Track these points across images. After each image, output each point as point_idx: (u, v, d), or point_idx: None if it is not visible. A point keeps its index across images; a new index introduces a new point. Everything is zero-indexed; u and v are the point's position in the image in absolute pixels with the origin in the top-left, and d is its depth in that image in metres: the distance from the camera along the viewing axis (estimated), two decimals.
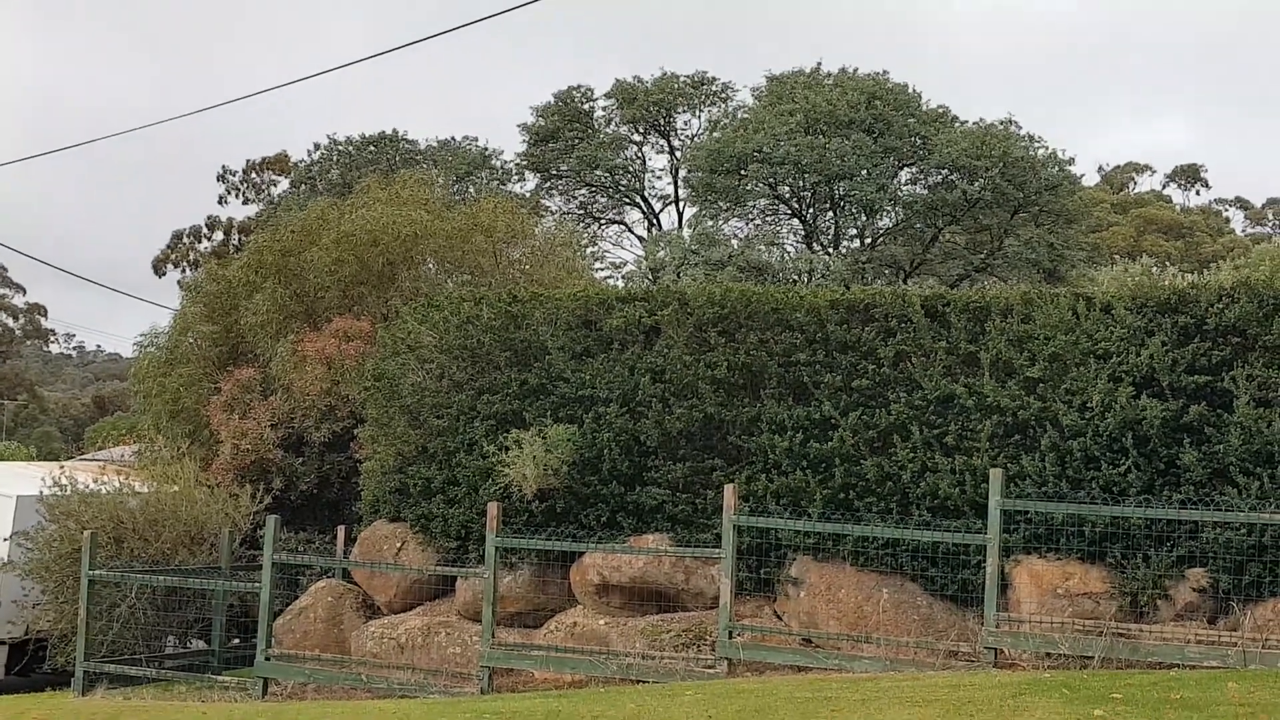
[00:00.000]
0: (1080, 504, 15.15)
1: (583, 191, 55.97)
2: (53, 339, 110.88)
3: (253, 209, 70.66)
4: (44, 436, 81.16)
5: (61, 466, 26.25)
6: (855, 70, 49.25)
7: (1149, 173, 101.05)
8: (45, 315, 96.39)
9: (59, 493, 23.44)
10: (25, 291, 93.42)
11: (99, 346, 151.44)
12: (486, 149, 57.51)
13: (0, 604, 25.19)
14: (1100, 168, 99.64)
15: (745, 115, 50.21)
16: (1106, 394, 15.57)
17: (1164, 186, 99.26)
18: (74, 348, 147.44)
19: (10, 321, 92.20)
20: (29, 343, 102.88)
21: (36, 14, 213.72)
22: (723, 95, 54.87)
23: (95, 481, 23.80)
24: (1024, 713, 11.01)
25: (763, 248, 45.23)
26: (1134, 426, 15.37)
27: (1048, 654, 14.71)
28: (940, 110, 48.55)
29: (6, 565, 24.55)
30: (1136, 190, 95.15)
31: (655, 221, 56.40)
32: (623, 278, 49.88)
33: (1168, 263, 25.87)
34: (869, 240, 49.98)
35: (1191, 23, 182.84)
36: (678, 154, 54.74)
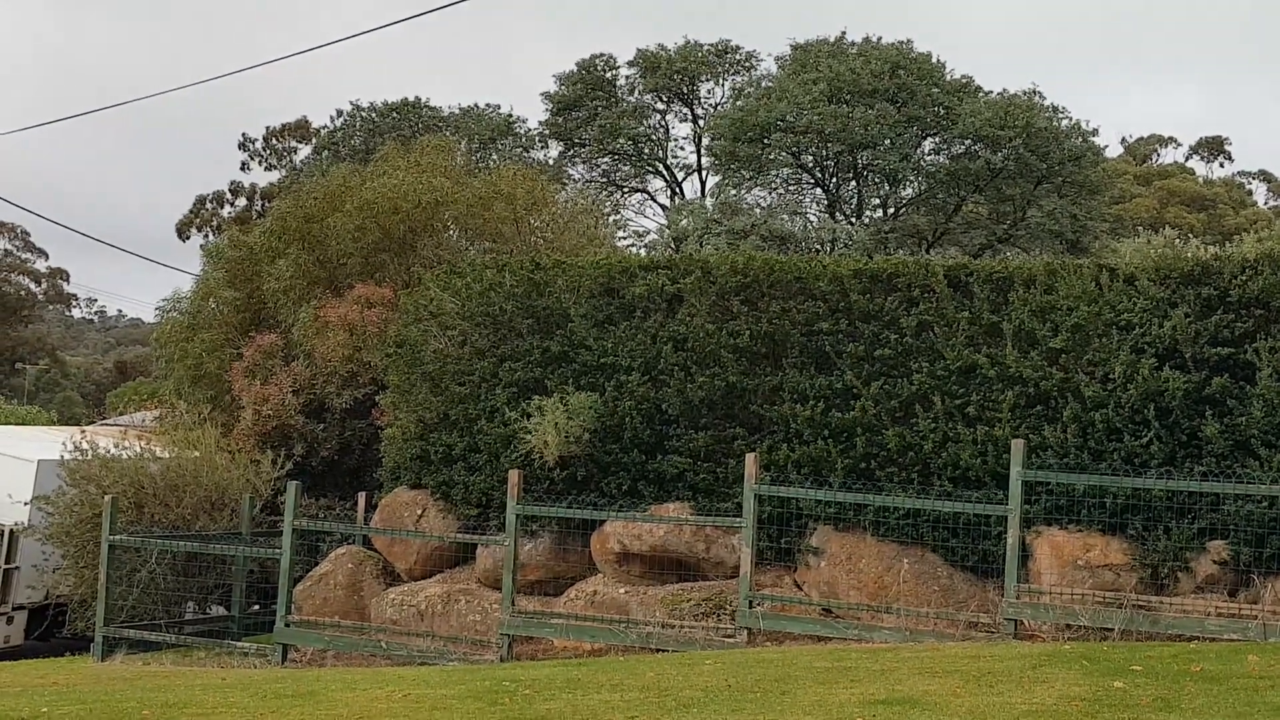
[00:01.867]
0: (1102, 475, 15.12)
1: (605, 160, 55.79)
2: (75, 304, 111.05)
3: (275, 175, 70.66)
4: (66, 401, 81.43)
5: (83, 431, 26.38)
6: (879, 39, 49.00)
7: (1172, 145, 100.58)
8: (67, 280, 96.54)
9: (80, 457, 23.56)
10: (48, 256, 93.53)
11: (120, 311, 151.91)
12: (510, 116, 57.37)
13: (20, 568, 25.36)
14: (1123, 139, 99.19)
15: (769, 84, 50.00)
16: (1129, 365, 15.52)
17: (1187, 159, 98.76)
18: (96, 313, 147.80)
19: (33, 286, 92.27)
20: (51, 307, 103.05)
21: None
22: (746, 64, 54.64)
23: (116, 446, 23.90)
24: (1044, 684, 10.99)
25: (785, 217, 45.09)
26: (1156, 398, 15.33)
27: (1068, 625, 14.71)
28: (964, 80, 48.26)
29: (27, 530, 24.71)
30: (1160, 162, 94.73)
31: (678, 190, 56.27)
32: (645, 246, 49.80)
33: (1191, 235, 25.71)
34: (892, 210, 49.83)
35: None
36: (701, 122, 54.55)
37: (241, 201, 73.60)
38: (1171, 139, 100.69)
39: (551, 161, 53.78)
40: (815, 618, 16.32)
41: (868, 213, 49.07)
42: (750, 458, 16.50)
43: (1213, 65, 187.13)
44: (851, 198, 49.13)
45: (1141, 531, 15.15)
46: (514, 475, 17.67)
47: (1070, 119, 47.14)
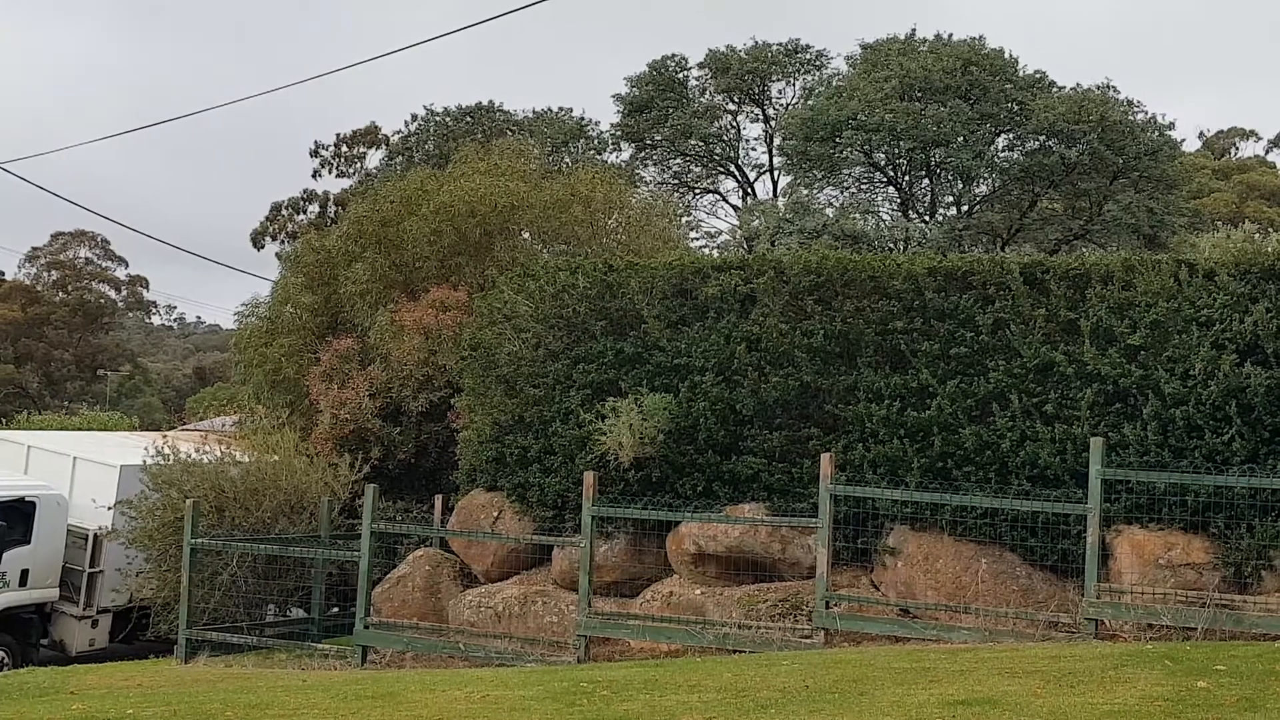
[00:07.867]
0: (1183, 473, 14.97)
1: (677, 161, 55.80)
2: (154, 311, 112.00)
3: (347, 182, 71.07)
4: (146, 407, 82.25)
5: (164, 436, 26.66)
6: (950, 36, 48.67)
7: (1253, 138, 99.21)
8: (147, 287, 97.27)
9: (162, 462, 23.82)
10: (127, 264, 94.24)
11: (199, 318, 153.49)
12: (582, 119, 57.47)
13: (104, 572, 25.66)
14: (1201, 133, 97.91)
15: (840, 83, 49.80)
16: (1209, 361, 15.35)
17: (1267, 152, 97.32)
18: (175, 319, 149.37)
19: (113, 293, 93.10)
20: (131, 314, 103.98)
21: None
22: (817, 63, 54.44)
23: (197, 451, 24.15)
24: (1126, 684, 10.89)
25: (858, 216, 44.88)
26: (1238, 394, 15.16)
27: (1150, 625, 14.56)
28: (1037, 75, 47.83)
29: (111, 534, 25.00)
30: (1239, 156, 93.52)
31: (750, 191, 56.19)
32: (717, 247, 49.76)
33: (1271, 229, 25.39)
34: (965, 207, 49.48)
35: None
36: (772, 122, 54.43)
37: (314, 208, 74.02)
38: (1252, 132, 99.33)
39: (624, 163, 53.80)
40: (893, 618, 16.25)
41: (941, 210, 48.75)
42: (825, 458, 16.45)
43: None
44: (924, 196, 48.87)
45: (1224, 530, 14.99)
46: (589, 477, 17.71)
47: (1145, 113, 46.71)
